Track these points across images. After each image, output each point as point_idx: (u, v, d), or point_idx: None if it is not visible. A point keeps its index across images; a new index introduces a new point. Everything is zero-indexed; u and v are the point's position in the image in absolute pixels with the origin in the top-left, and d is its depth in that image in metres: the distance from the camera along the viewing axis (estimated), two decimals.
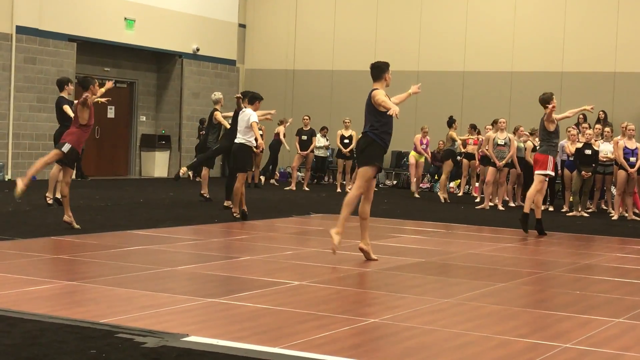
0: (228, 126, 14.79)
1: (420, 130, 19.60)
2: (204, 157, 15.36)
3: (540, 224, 12.39)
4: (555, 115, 12.40)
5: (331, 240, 8.95)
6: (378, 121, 9.07)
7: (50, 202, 13.37)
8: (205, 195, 15.65)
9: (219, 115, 15.56)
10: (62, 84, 13.41)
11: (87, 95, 10.56)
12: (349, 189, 19.72)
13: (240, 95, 14.16)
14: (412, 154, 19.60)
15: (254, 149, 12.97)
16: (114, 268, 8.07)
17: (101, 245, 9.54)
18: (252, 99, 13.11)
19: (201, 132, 22.71)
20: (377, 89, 9.14)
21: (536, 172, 12.43)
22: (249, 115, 12.84)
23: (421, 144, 19.40)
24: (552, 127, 12.36)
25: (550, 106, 12.18)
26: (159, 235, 10.70)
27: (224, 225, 12.25)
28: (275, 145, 21.78)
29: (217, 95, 16.00)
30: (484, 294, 7.54)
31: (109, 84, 11.25)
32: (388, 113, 8.78)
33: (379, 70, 9.22)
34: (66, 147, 10.58)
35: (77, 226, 10.80)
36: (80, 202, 14.07)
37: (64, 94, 13.31)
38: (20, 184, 10.26)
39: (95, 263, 8.47)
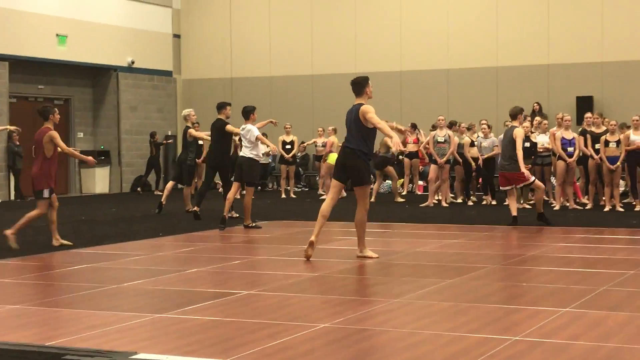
0: (208, 139, 14.65)
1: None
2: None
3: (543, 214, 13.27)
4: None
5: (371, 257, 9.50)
6: (367, 139, 9.19)
7: None
8: (189, 210, 15.49)
9: (194, 132, 15.35)
10: None
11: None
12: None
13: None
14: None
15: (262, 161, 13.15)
16: (58, 289, 7.93)
17: (45, 266, 9.38)
18: (245, 113, 13.37)
19: (152, 146, 22.51)
20: (362, 103, 9.15)
21: (523, 185, 13.55)
22: (250, 130, 13.07)
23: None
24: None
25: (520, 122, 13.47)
26: (103, 252, 10.56)
27: (170, 239, 12.14)
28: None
29: (186, 111, 15.81)
30: (432, 291, 7.58)
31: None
32: (392, 150, 8.99)
33: (359, 86, 9.29)
34: (47, 193, 10.77)
35: (15, 246, 10.63)
36: None
37: None
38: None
39: (39, 285, 8.32)
